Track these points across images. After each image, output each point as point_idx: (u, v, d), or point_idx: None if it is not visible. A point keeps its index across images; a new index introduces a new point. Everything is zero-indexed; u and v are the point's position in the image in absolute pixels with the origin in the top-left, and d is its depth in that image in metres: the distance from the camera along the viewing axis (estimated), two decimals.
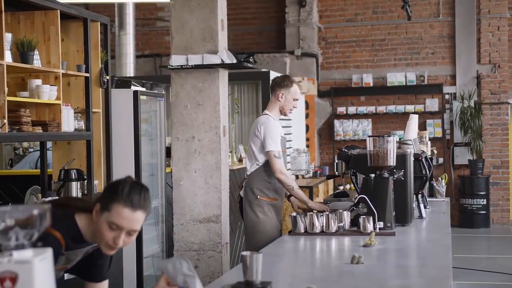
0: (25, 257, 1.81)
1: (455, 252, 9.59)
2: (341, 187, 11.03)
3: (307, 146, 12.52)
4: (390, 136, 4.57)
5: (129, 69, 11.31)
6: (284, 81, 5.52)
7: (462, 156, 13.00)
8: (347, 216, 4.49)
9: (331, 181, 11.39)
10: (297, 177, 10.52)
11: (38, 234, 1.85)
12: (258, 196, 5.42)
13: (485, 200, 12.65)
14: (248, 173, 5.51)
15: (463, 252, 10.22)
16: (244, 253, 2.80)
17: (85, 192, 5.80)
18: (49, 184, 5.84)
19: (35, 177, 6.07)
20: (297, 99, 5.53)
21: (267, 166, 5.35)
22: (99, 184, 6.06)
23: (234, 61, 5.73)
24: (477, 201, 12.62)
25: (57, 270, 2.83)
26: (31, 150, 8.85)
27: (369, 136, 4.63)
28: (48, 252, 1.85)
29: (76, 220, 2.81)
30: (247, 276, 2.81)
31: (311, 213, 4.50)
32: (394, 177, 4.61)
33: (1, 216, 1.82)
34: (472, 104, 12.80)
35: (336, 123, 13.34)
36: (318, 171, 11.10)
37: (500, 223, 12.97)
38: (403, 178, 4.69)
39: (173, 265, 2.47)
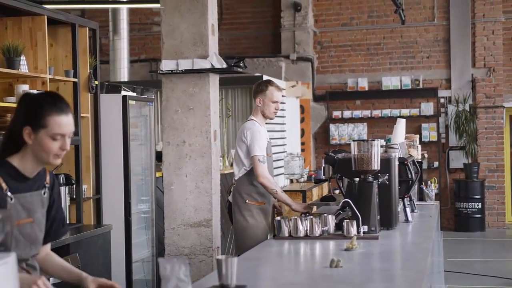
0: None
1: (449, 256, 9.60)
2: (337, 191, 11.02)
3: (303, 150, 12.53)
4: (374, 140, 4.59)
5: (123, 74, 11.34)
6: (259, 86, 5.57)
7: (457, 160, 12.99)
8: (331, 220, 4.49)
9: (325, 185, 11.39)
10: (291, 181, 10.53)
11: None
12: (247, 201, 5.46)
13: (480, 203, 12.65)
14: (236, 178, 5.55)
15: (458, 256, 10.23)
16: (219, 257, 2.83)
17: (74, 197, 5.82)
18: None
19: None
20: (276, 101, 5.54)
21: None
22: (87, 189, 6.07)
23: (224, 65, 5.74)
24: (472, 204, 12.62)
25: (22, 224, 2.83)
26: None
27: (353, 140, 4.65)
28: (11, 257, 1.86)
29: (10, 161, 2.85)
30: (222, 280, 2.84)
31: (295, 217, 4.51)
32: (378, 181, 4.62)
33: None
34: (467, 108, 12.80)
35: (332, 127, 13.35)
36: (313, 175, 11.09)
37: (496, 227, 12.97)
38: (387, 182, 4.70)
39: (172, 266, 2.48)
